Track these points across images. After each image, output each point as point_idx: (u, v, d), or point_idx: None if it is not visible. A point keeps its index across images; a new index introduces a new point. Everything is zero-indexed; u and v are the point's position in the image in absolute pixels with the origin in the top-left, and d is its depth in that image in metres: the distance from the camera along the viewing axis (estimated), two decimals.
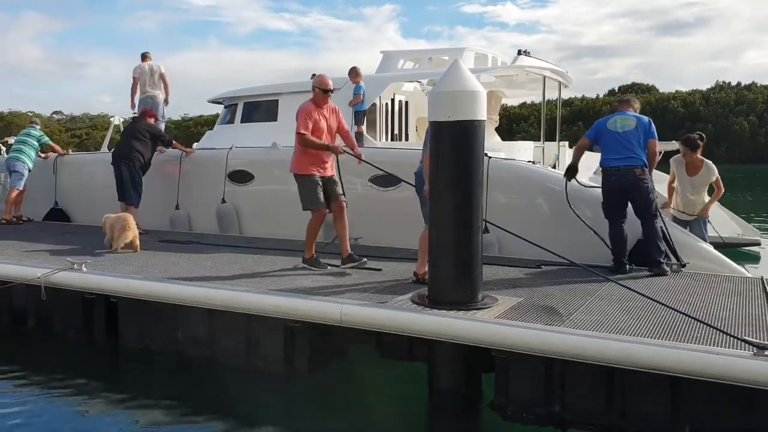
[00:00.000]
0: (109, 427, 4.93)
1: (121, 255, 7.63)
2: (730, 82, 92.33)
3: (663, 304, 4.86)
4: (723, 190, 8.00)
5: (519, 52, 9.65)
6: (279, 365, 5.61)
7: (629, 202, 6.62)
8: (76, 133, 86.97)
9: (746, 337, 4.26)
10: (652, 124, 6.71)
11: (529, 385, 4.66)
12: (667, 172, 8.33)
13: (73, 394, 5.51)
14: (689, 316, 4.68)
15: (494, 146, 9.03)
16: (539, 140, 11.01)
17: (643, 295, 5.01)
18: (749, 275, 6.68)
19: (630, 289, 5.09)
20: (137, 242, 7.99)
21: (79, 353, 6.55)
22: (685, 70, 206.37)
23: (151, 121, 9.95)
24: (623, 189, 6.54)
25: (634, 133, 6.57)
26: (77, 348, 6.59)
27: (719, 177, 7.84)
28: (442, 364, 5.16)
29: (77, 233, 9.41)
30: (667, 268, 6.47)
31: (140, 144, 9.50)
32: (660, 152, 9.33)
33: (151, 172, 9.74)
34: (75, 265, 6.61)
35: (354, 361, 5.95)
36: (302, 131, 6.76)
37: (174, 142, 10.04)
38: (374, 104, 10.05)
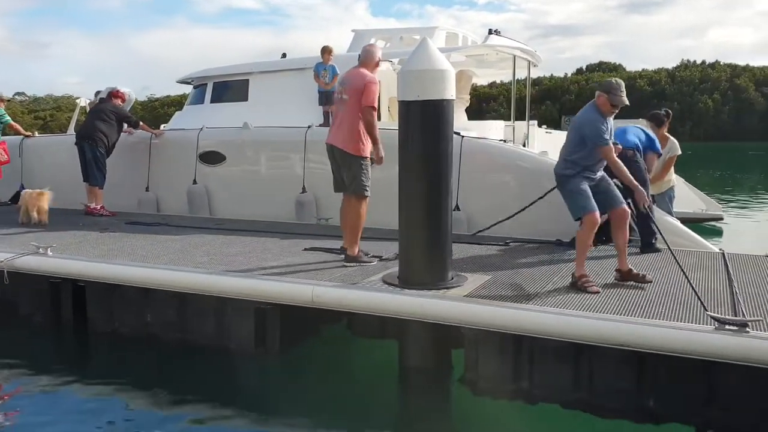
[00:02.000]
0: (79, 413, 4.89)
1: (89, 237, 7.50)
2: (695, 61, 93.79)
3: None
4: (671, 171, 8.02)
5: (490, 32, 9.66)
6: (250, 346, 5.60)
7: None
8: (40, 114, 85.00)
9: (711, 312, 4.37)
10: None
11: (499, 362, 4.73)
12: None
13: (41, 379, 5.45)
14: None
15: (466, 125, 9.06)
16: (509, 119, 11.07)
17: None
18: (714, 249, 6.84)
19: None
20: (44, 217, 8.51)
21: (46, 338, 6.47)
22: (652, 48, 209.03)
23: (118, 102, 9.77)
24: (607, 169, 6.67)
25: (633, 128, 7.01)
26: (44, 333, 6.50)
27: (676, 157, 7.89)
28: (412, 342, 5.20)
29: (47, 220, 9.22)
30: (660, 247, 6.57)
31: (105, 125, 9.34)
32: None
33: (120, 153, 9.60)
34: (40, 249, 6.51)
35: (325, 340, 5.98)
36: (376, 107, 5.89)
37: (141, 123, 9.88)
38: None
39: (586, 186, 5.27)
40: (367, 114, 5.85)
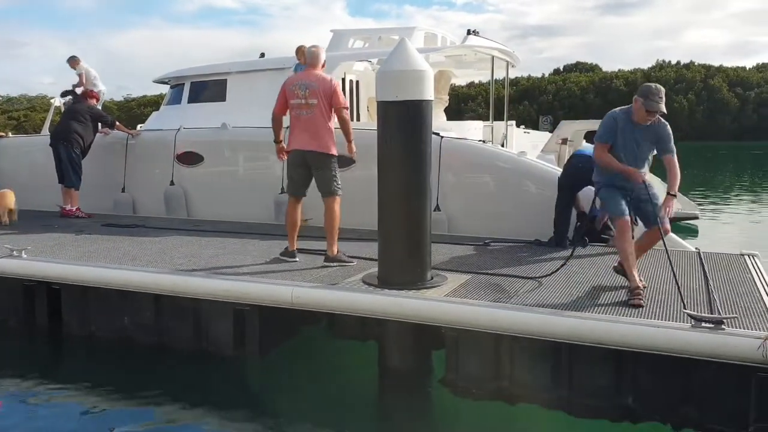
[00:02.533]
0: (54, 417, 4.82)
1: (64, 240, 7.39)
2: (670, 61, 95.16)
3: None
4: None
5: (468, 32, 9.69)
6: (229, 348, 5.56)
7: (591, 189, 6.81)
8: (13, 115, 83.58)
9: (688, 310, 4.42)
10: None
11: (479, 362, 4.74)
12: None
13: (14, 384, 5.36)
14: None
15: (444, 126, 9.09)
16: (487, 119, 11.12)
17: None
18: (690, 248, 6.92)
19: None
20: (14, 216, 8.69)
21: (20, 342, 6.36)
22: (628, 49, 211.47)
23: (93, 102, 9.65)
24: (587, 175, 6.71)
25: None
26: (18, 337, 6.39)
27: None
28: (392, 342, 5.20)
29: (19, 218, 9.07)
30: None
31: (80, 126, 9.21)
32: None
33: (96, 154, 9.47)
34: (14, 252, 6.40)
35: (306, 341, 5.95)
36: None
37: (118, 123, 9.76)
38: None
39: (612, 191, 5.13)
40: (345, 114, 6.09)
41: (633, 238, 5.08)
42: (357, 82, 11.18)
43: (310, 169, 6.20)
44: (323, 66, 6.32)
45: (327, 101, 6.01)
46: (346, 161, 6.79)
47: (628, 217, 5.01)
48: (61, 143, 9.12)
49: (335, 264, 6.07)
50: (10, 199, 8.76)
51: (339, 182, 6.23)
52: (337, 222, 6.19)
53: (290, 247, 6.34)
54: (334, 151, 6.18)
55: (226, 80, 10.05)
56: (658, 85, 4.92)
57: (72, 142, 9.13)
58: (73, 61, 11.09)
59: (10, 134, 11.85)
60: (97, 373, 5.65)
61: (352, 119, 10.84)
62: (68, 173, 9.16)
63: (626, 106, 5.15)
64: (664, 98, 4.86)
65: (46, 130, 11.87)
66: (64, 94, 10.85)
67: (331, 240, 6.18)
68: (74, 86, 10.86)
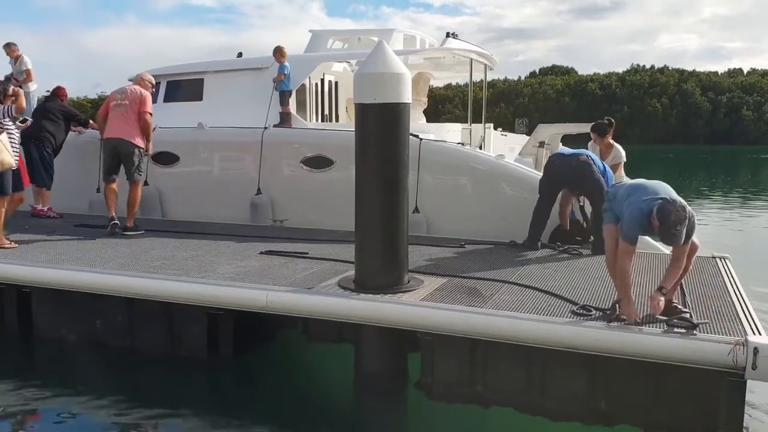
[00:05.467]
0: (23, 422, 4.74)
1: (35, 241, 7.25)
2: (644, 65, 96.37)
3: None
4: (622, 174, 8.07)
5: (447, 35, 9.72)
6: (202, 353, 5.51)
7: (573, 188, 6.89)
8: None
9: (660, 316, 4.46)
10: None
11: (454, 366, 4.75)
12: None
13: None
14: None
15: (423, 128, 9.09)
16: (465, 122, 11.15)
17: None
18: (665, 251, 6.99)
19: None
20: None
21: None
22: (603, 52, 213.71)
23: (66, 100, 9.48)
24: (565, 174, 6.76)
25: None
26: None
27: (623, 164, 7.98)
28: (368, 346, 5.19)
29: None
30: None
31: (51, 124, 9.05)
32: (580, 134, 9.62)
33: (68, 153, 9.30)
34: None
35: (281, 345, 5.91)
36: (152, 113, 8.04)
37: (91, 122, 9.61)
38: (304, 85, 9.92)
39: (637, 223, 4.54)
40: (148, 117, 7.83)
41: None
42: (336, 82, 11.16)
43: (119, 156, 7.77)
44: (150, 88, 8.24)
45: (137, 105, 7.74)
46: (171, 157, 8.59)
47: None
48: (32, 142, 8.94)
49: (132, 233, 7.60)
50: None
51: (143, 169, 7.93)
52: (138, 200, 7.89)
53: (129, 223, 7.80)
54: (140, 144, 7.79)
55: (203, 80, 9.94)
56: (680, 212, 4.25)
57: (44, 141, 8.95)
58: (10, 49, 10.29)
59: None
60: (68, 376, 5.56)
61: (330, 120, 10.93)
62: (39, 172, 8.98)
63: (648, 204, 4.41)
64: (684, 228, 4.29)
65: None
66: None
67: (132, 214, 7.84)
68: (13, 77, 10.24)
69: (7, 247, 6.76)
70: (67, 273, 5.91)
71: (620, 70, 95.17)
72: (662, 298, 4.45)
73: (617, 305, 4.60)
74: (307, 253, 6.62)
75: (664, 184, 4.63)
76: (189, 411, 4.92)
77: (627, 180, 7.92)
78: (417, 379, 4.97)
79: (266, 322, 5.49)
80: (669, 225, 4.24)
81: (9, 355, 6.16)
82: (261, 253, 6.68)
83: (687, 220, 4.27)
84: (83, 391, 5.19)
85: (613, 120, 8.20)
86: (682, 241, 4.36)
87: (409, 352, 5.18)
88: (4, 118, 6.88)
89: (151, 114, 7.86)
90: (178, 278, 5.64)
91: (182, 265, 6.15)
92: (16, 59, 10.22)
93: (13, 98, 7.08)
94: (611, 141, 7.90)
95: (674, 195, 4.44)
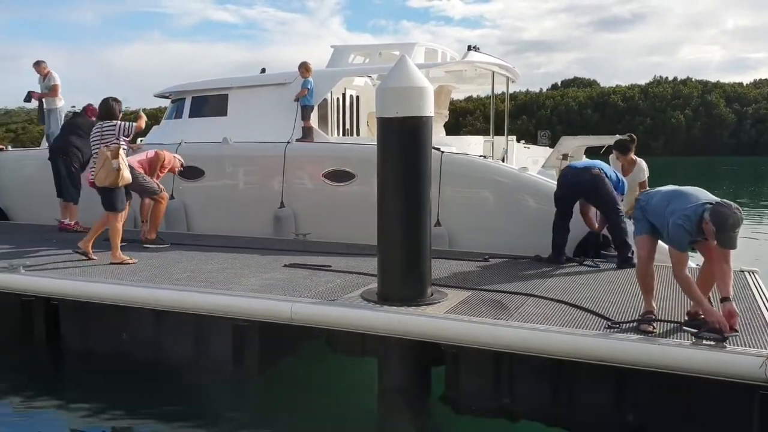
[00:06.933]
0: (50, 431, 4.79)
1: (62, 255, 7.37)
2: (667, 77, 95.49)
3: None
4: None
5: (469, 48, 9.74)
6: (228, 365, 5.53)
7: (586, 200, 6.85)
8: (11, 127, 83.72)
9: (686, 327, 4.41)
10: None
11: (479, 378, 4.73)
12: None
13: (13, 399, 5.34)
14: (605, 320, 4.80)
15: (445, 141, 9.10)
16: (486, 134, 11.14)
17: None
18: (692, 265, 6.89)
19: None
20: None
21: (18, 357, 6.33)
22: (624, 64, 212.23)
23: (94, 117, 9.64)
24: (577, 187, 6.74)
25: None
26: (16, 352, 6.36)
27: (647, 180, 7.92)
28: (392, 359, 5.17)
29: (17, 233, 9.07)
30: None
31: (79, 140, 9.21)
32: (604, 146, 9.57)
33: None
34: (13, 267, 6.38)
35: (305, 357, 5.92)
36: None
37: None
38: (325, 99, 10.00)
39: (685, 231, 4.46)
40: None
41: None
42: (357, 97, 11.22)
43: None
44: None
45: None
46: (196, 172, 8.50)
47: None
48: (60, 157, 9.12)
49: (153, 246, 7.72)
50: None
51: (147, 187, 7.83)
52: (158, 215, 7.99)
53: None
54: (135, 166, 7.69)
55: (227, 95, 10.07)
56: (737, 213, 4.22)
57: (71, 156, 9.12)
58: (40, 67, 10.43)
59: (9, 147, 11.82)
60: (96, 388, 5.62)
61: (352, 134, 10.99)
62: (66, 187, 9.15)
63: (695, 210, 4.37)
64: (739, 231, 4.26)
65: (44, 143, 11.88)
66: (27, 99, 10.63)
67: (152, 228, 7.92)
68: (42, 94, 10.36)
69: (129, 263, 6.86)
70: (95, 285, 5.99)
71: (642, 82, 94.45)
72: (733, 307, 4.37)
73: (646, 317, 4.56)
74: (330, 266, 6.65)
75: (699, 188, 4.58)
76: (214, 423, 4.94)
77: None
78: (441, 393, 4.95)
79: (291, 334, 5.50)
80: (728, 228, 4.19)
81: (37, 366, 6.25)
82: (285, 265, 6.72)
83: (742, 221, 4.25)
84: (110, 403, 5.25)
85: (635, 136, 8.14)
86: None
87: (432, 365, 5.17)
88: (120, 136, 7.00)
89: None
90: (205, 290, 5.69)
91: (208, 277, 6.20)
92: (44, 76, 10.43)
93: (133, 117, 7.15)
94: (634, 157, 7.84)
95: (716, 198, 4.40)
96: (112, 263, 6.83)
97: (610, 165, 7.89)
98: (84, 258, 6.99)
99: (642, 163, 7.89)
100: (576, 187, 6.78)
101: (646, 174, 7.85)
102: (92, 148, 7.20)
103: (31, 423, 4.95)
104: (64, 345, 6.18)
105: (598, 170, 6.71)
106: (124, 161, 7.00)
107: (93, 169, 7.17)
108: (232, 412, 5.23)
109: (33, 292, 6.19)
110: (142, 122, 7.31)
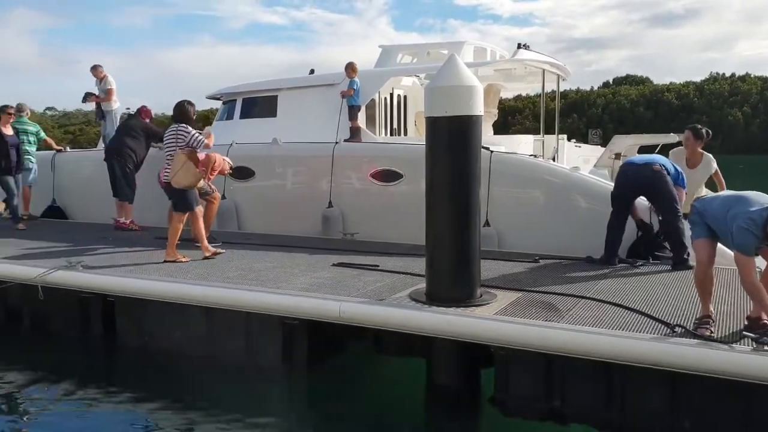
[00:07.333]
0: (107, 426, 4.93)
1: (118, 253, 7.58)
2: (723, 74, 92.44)
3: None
4: (724, 184, 7.78)
5: (519, 46, 9.64)
6: (277, 363, 5.60)
7: (645, 199, 6.67)
8: (69, 129, 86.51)
9: (746, 332, 4.26)
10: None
11: (529, 381, 4.66)
12: None
13: (70, 393, 5.50)
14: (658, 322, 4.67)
15: (494, 140, 9.02)
16: (535, 133, 11.00)
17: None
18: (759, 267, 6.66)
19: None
20: None
21: (76, 352, 6.53)
22: (678, 61, 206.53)
23: (147, 119, 9.88)
24: (637, 184, 6.57)
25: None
26: (74, 347, 6.57)
27: (718, 170, 7.71)
28: (440, 360, 5.16)
29: (74, 231, 9.36)
30: (693, 264, 6.42)
31: (133, 141, 9.45)
32: (658, 145, 9.33)
33: (150, 168, 9.66)
34: (72, 265, 6.59)
35: (353, 356, 5.94)
36: None
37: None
38: (373, 99, 10.03)
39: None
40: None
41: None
42: (404, 96, 11.22)
43: None
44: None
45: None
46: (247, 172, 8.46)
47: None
48: (115, 158, 9.38)
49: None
50: None
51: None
52: (210, 216, 8.01)
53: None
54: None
55: (277, 96, 10.20)
56: None
57: (125, 157, 9.36)
58: (97, 71, 10.82)
59: (67, 148, 12.20)
60: (149, 384, 5.75)
61: (399, 134, 10.99)
62: (121, 187, 9.40)
63: (760, 214, 4.23)
64: None
65: (101, 144, 12.23)
66: (85, 99, 10.97)
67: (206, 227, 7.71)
68: (99, 98, 10.78)
69: (182, 261, 7.04)
70: (149, 283, 6.14)
71: (698, 79, 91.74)
72: None
73: (704, 321, 4.43)
74: (377, 266, 6.65)
75: (760, 192, 4.44)
76: (263, 419, 5.00)
77: (707, 193, 7.62)
78: (491, 395, 4.90)
79: (339, 333, 5.53)
80: None
81: (94, 361, 6.43)
82: (333, 265, 6.76)
83: None
84: (162, 398, 5.36)
85: (710, 132, 7.81)
86: None
87: (482, 366, 5.12)
88: (191, 144, 7.17)
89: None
90: (255, 289, 5.77)
91: (258, 276, 6.29)
92: (101, 79, 10.77)
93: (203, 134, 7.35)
94: (701, 150, 7.57)
95: None
96: (165, 261, 6.98)
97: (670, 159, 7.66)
98: (166, 261, 7.04)
99: (709, 156, 7.62)
100: (636, 183, 6.58)
101: (714, 166, 7.56)
102: (167, 149, 7.36)
103: (87, 417, 5.09)
104: (119, 340, 6.36)
105: (660, 166, 6.51)
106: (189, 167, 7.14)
107: (167, 171, 7.34)
108: (281, 409, 5.28)
109: (91, 289, 6.38)
110: (211, 141, 7.41)
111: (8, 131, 9.52)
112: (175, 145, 7.22)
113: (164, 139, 7.44)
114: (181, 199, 7.23)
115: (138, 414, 5.12)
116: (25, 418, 5.08)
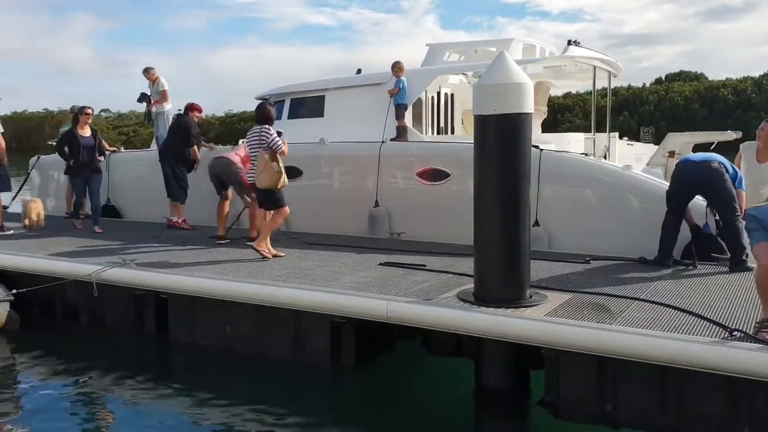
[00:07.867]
0: (161, 420, 5.03)
1: (170, 251, 7.74)
2: None
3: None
4: None
5: (569, 43, 9.47)
6: (325, 360, 5.63)
7: (700, 198, 6.48)
8: (123, 130, 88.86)
9: None
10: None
11: (580, 384, 4.57)
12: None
13: (125, 388, 5.63)
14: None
15: (544, 138, 8.88)
16: (585, 131, 10.78)
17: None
18: None
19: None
20: (40, 220, 9.67)
21: (130, 348, 6.69)
22: (735, 56, 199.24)
23: (195, 114, 9.89)
24: (695, 182, 6.38)
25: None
26: (128, 343, 6.74)
27: None
28: (489, 361, 5.10)
29: (129, 229, 9.61)
30: (752, 266, 6.21)
31: (182, 141, 9.60)
32: (713, 143, 9.02)
33: (202, 168, 9.80)
34: (126, 262, 6.76)
35: (400, 356, 5.93)
36: None
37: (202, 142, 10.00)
38: (420, 98, 9.99)
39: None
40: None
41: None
42: (452, 95, 11.15)
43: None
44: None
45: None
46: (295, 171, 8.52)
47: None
48: (167, 159, 9.57)
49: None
50: (41, 206, 9.90)
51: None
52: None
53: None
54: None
55: (324, 96, 10.26)
56: None
57: (177, 158, 9.55)
58: (149, 73, 11.02)
59: (122, 149, 12.53)
60: (200, 380, 5.84)
61: (446, 132, 10.92)
62: (172, 187, 9.59)
63: None
64: None
65: (153, 145, 12.51)
66: (140, 99, 11.21)
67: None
68: (150, 97, 11.01)
69: (280, 255, 7.31)
70: (201, 281, 6.26)
71: (756, 74, 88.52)
72: None
73: (765, 324, 4.26)
74: (424, 266, 6.63)
75: None
76: (311, 417, 5.02)
77: None
78: (540, 397, 4.83)
79: (386, 332, 5.53)
80: None
81: (147, 356, 6.58)
82: (380, 264, 6.77)
83: None
84: (212, 394, 5.44)
85: None
86: None
87: (531, 368, 5.05)
88: (269, 147, 7.25)
89: None
90: (303, 287, 5.82)
91: (307, 274, 6.34)
92: (153, 81, 11.01)
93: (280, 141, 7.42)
94: None
95: None
96: (255, 249, 7.23)
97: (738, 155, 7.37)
98: (256, 258, 7.20)
99: None
100: (693, 181, 6.38)
101: None
102: (251, 150, 7.48)
103: (139, 413, 5.19)
104: (172, 337, 6.49)
105: (718, 164, 6.30)
106: (282, 164, 7.26)
107: (251, 172, 7.48)
108: (329, 407, 5.30)
109: (144, 287, 6.54)
110: (287, 148, 7.47)
111: (85, 132, 9.49)
112: (259, 146, 7.29)
113: (248, 140, 7.55)
114: (268, 199, 7.34)
115: (188, 409, 5.20)
116: (80, 412, 5.22)
